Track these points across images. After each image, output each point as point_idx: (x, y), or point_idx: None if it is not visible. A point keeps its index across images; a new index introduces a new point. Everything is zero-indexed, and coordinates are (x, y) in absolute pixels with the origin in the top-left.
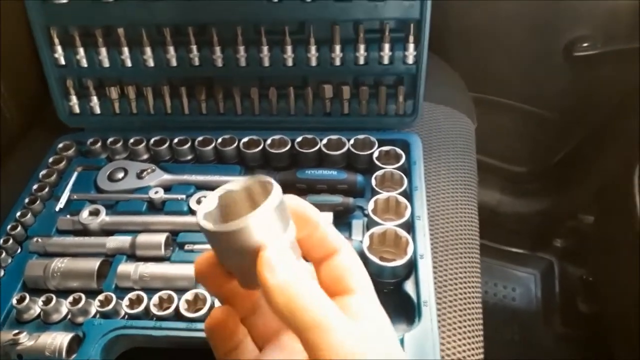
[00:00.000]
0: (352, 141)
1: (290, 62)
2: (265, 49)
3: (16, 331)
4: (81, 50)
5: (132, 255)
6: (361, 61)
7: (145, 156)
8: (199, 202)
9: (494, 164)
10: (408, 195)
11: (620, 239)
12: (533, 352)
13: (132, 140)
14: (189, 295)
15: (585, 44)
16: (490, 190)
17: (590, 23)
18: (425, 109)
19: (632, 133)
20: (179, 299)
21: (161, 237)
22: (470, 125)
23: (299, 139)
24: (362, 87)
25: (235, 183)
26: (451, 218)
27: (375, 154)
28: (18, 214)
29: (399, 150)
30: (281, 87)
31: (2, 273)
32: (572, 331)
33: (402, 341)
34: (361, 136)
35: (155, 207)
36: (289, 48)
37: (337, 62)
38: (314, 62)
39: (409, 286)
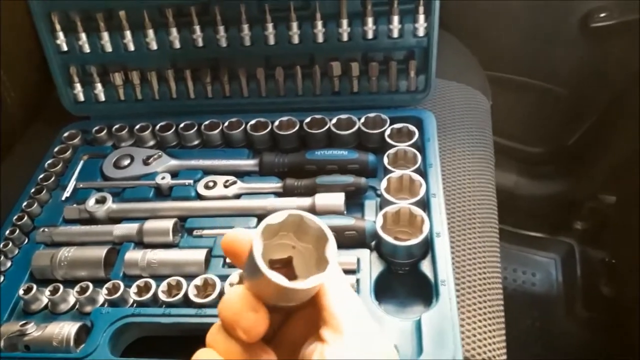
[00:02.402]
0: (362, 120)
1: (296, 40)
2: (270, 26)
3: (23, 322)
4: (83, 36)
5: (140, 243)
6: (370, 35)
7: (152, 142)
8: (206, 187)
9: (509, 145)
10: (422, 173)
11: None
12: (554, 337)
13: (137, 127)
14: (198, 281)
15: (602, 15)
16: (506, 173)
17: None
18: (438, 86)
19: None
20: (188, 285)
21: (169, 223)
22: (485, 102)
23: (308, 119)
24: (372, 63)
25: (276, 217)
26: (468, 196)
27: (387, 132)
28: (24, 204)
29: (411, 127)
30: (288, 66)
31: (10, 264)
32: (594, 315)
33: (419, 322)
34: (372, 114)
35: (162, 194)
36: (294, 25)
37: (345, 38)
38: (320, 39)
39: (425, 266)
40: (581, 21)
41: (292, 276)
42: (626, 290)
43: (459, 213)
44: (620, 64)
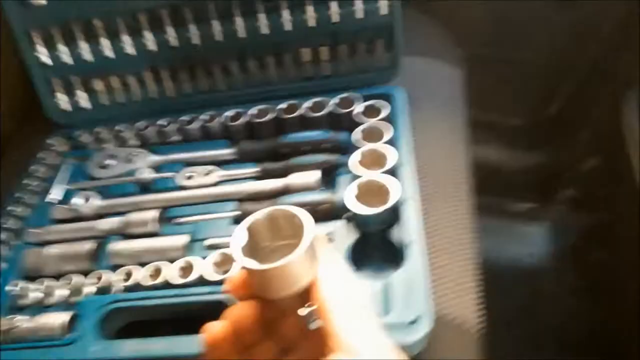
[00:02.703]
0: (334, 100)
1: (265, 30)
2: (238, 20)
3: (11, 316)
4: (63, 48)
5: (126, 235)
6: (335, 18)
7: (134, 142)
8: (187, 177)
9: (490, 120)
10: (393, 145)
11: (624, 179)
12: (549, 308)
13: (119, 130)
14: (179, 264)
15: None
16: (489, 147)
17: None
18: (408, 63)
19: (621, 69)
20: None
21: (150, 214)
22: (458, 75)
23: (284, 105)
24: (340, 45)
25: (260, 213)
26: (441, 165)
27: (355, 110)
28: (12, 207)
29: (381, 103)
30: (259, 57)
31: (2, 264)
32: (587, 283)
33: (389, 283)
34: (344, 95)
35: (146, 188)
36: (262, 16)
37: (312, 23)
38: (288, 27)
39: (397, 232)
40: None
41: None
42: (621, 252)
43: (431, 182)
44: (593, 29)
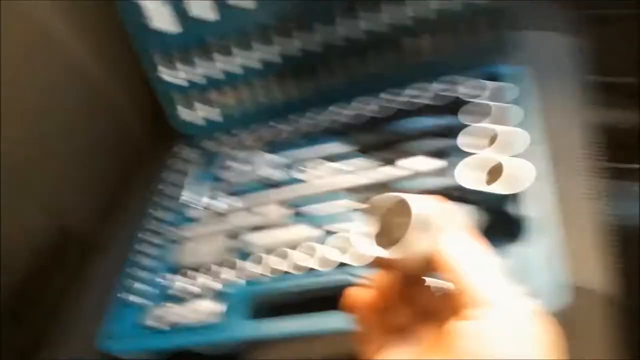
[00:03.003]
0: (456, 87)
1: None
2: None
3: (170, 304)
4: (181, 66)
5: (256, 228)
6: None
7: (254, 144)
8: (307, 171)
9: (608, 81)
10: (521, 126)
11: None
12: None
13: (240, 133)
14: (304, 249)
15: None
16: (608, 109)
17: None
18: (525, 38)
19: None
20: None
21: (277, 208)
22: (573, 44)
23: (405, 98)
24: (458, 25)
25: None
26: (569, 141)
27: (482, 95)
28: (154, 211)
29: (504, 85)
30: (361, 53)
31: (150, 261)
32: None
33: (526, 257)
34: (462, 79)
35: (270, 185)
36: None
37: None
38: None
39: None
40: None
41: None
42: None
43: (562, 158)
44: None
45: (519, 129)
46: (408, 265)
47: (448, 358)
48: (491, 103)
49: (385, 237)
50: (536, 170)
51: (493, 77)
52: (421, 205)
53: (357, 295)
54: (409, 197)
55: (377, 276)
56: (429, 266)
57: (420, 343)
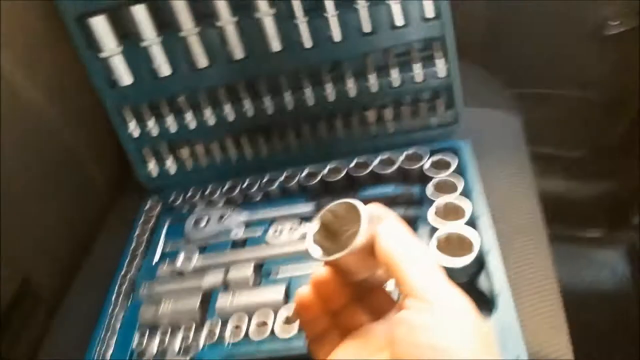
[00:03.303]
0: (402, 157)
1: (332, 98)
2: (307, 90)
3: None
4: (151, 122)
5: (227, 289)
6: (396, 84)
7: (222, 202)
8: (275, 234)
9: (551, 153)
10: (466, 197)
11: None
12: (632, 331)
13: (207, 191)
14: (282, 317)
15: (615, 23)
16: (555, 180)
17: None
18: (467, 114)
19: None
20: (274, 322)
21: (249, 270)
22: (515, 121)
23: (353, 164)
24: (402, 106)
25: (328, 208)
26: (514, 211)
27: (426, 165)
28: (123, 271)
29: (448, 158)
30: (328, 120)
31: (120, 323)
32: None
33: None
34: (410, 151)
35: (238, 245)
36: (328, 86)
37: (374, 89)
38: (353, 94)
39: (482, 281)
40: (594, 31)
41: None
42: None
43: (507, 228)
44: None
45: (463, 198)
46: (354, 262)
47: (390, 350)
48: (437, 175)
49: (335, 243)
50: (483, 239)
51: (438, 151)
52: (366, 207)
53: (307, 298)
54: (355, 201)
55: (327, 279)
56: (374, 262)
57: (372, 339)
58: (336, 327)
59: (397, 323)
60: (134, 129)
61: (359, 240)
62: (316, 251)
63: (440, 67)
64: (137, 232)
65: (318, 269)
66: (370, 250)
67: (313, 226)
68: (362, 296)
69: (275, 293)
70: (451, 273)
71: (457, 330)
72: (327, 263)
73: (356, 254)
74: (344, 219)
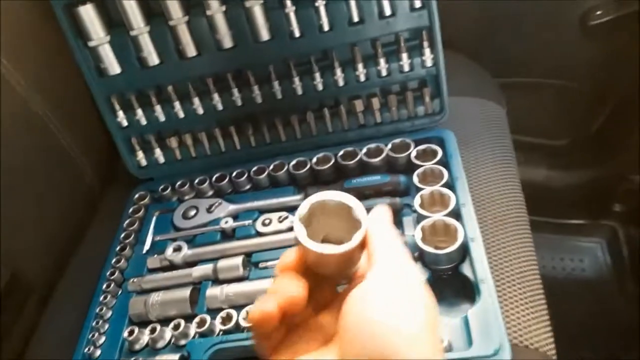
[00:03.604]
0: (389, 146)
1: (320, 87)
2: (296, 80)
3: (133, 359)
4: (139, 111)
5: (216, 280)
6: (384, 73)
7: (210, 192)
8: (264, 224)
9: (535, 142)
10: (450, 186)
11: None
12: (612, 318)
13: (196, 181)
14: None
15: (598, 12)
16: (537, 168)
17: None
18: (453, 104)
19: None
20: None
21: (238, 260)
22: (500, 110)
23: (341, 153)
24: (390, 95)
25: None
26: (497, 200)
27: (413, 154)
28: (113, 261)
29: (434, 147)
30: (317, 109)
31: (110, 313)
32: None
33: (466, 318)
34: (397, 140)
35: (227, 235)
36: (317, 75)
37: (362, 79)
38: (341, 83)
39: (465, 269)
40: (580, 21)
41: None
42: None
43: (490, 217)
44: (627, 55)
45: (447, 189)
46: (352, 258)
47: (339, 329)
48: (423, 164)
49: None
50: (466, 228)
51: (424, 140)
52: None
53: (269, 309)
54: (346, 199)
55: (303, 296)
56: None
57: (318, 333)
58: (282, 324)
59: (347, 300)
60: (122, 118)
61: (361, 232)
62: (323, 246)
63: (427, 56)
64: (126, 223)
65: (289, 283)
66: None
67: (301, 212)
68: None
69: (264, 282)
70: (436, 260)
71: (403, 308)
72: (322, 257)
73: (355, 249)
74: (329, 214)
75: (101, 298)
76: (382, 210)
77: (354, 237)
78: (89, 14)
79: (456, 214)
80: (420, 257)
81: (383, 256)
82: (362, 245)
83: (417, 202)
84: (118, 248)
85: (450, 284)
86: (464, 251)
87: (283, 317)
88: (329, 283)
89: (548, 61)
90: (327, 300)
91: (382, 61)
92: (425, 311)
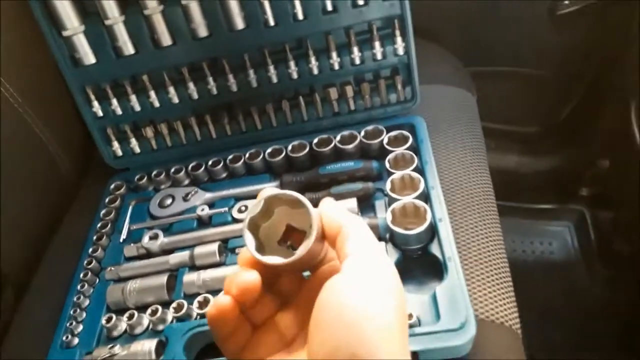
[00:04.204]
0: (362, 133)
1: (295, 75)
2: (271, 68)
3: (110, 345)
4: (114, 101)
5: (193, 266)
6: (357, 61)
7: (187, 181)
8: (240, 211)
9: (505, 129)
10: (420, 170)
11: (635, 177)
12: (580, 300)
13: (172, 170)
14: None
15: (565, 2)
16: (507, 155)
17: None
18: (424, 92)
19: (627, 78)
20: None
21: (214, 246)
22: (470, 97)
23: (316, 140)
24: (363, 83)
25: (254, 207)
26: (465, 183)
27: (385, 140)
28: (90, 250)
29: (405, 133)
30: (292, 98)
31: (88, 301)
32: (614, 273)
33: (434, 295)
34: (370, 127)
35: (204, 223)
36: (291, 63)
37: (336, 67)
38: (316, 71)
39: (434, 248)
40: (548, 10)
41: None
42: (638, 245)
43: (459, 200)
44: (593, 43)
45: (416, 173)
46: (315, 251)
47: (311, 322)
48: (395, 149)
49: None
50: (435, 210)
51: (396, 126)
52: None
53: (228, 309)
54: (298, 196)
55: (257, 285)
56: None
57: (285, 329)
58: (245, 321)
59: (322, 290)
60: (97, 108)
61: (316, 227)
62: (272, 258)
63: (399, 45)
64: (102, 212)
65: (246, 275)
66: (319, 238)
67: (248, 237)
68: (270, 284)
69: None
70: (405, 241)
71: (373, 294)
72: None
73: (315, 243)
74: (287, 205)
75: (78, 287)
76: (334, 202)
77: (303, 244)
78: (63, 3)
79: (425, 197)
80: (391, 238)
81: (355, 247)
82: (322, 237)
83: (388, 186)
84: (95, 237)
85: (420, 263)
86: (432, 232)
87: (241, 309)
88: (291, 275)
89: (518, 50)
90: (292, 292)
91: (355, 49)
92: (397, 300)
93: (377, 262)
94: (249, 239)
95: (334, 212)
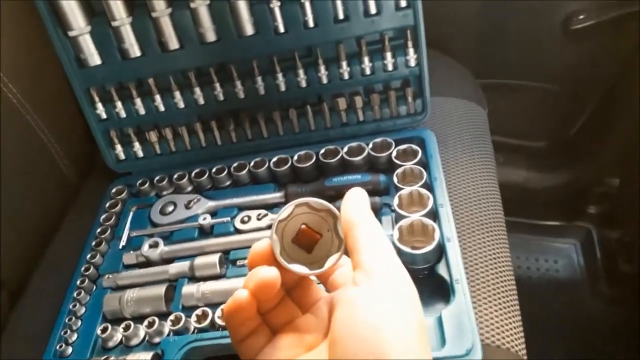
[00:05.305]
0: (370, 145)
1: (303, 84)
2: (279, 76)
3: (105, 357)
4: (119, 104)
5: (193, 277)
6: (367, 72)
7: (189, 188)
8: (242, 221)
9: (514, 143)
10: (429, 186)
11: None
12: (584, 319)
13: (175, 176)
14: None
15: (580, 17)
16: (516, 169)
17: None
18: (435, 104)
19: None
20: None
21: (215, 258)
22: (481, 111)
23: (322, 150)
24: (373, 94)
25: (284, 211)
26: (474, 201)
27: (394, 154)
28: (88, 256)
29: (414, 147)
30: (299, 106)
31: (84, 309)
32: (619, 293)
33: (440, 318)
34: (378, 139)
35: (205, 232)
36: (300, 72)
37: (346, 76)
38: (325, 80)
39: (441, 269)
40: (562, 25)
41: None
42: None
43: (467, 218)
44: (606, 59)
45: (425, 190)
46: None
47: (329, 335)
48: (403, 164)
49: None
50: (443, 229)
51: (405, 139)
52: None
53: (245, 302)
54: (332, 207)
55: (275, 281)
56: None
57: (305, 333)
58: (264, 324)
59: (339, 303)
60: (101, 110)
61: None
62: (298, 267)
63: (411, 56)
64: (102, 217)
65: (264, 270)
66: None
67: (275, 242)
68: (290, 290)
69: (241, 281)
70: (412, 260)
71: (394, 311)
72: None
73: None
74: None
75: (75, 294)
76: (359, 196)
77: (331, 258)
78: (69, 3)
79: (434, 215)
80: (398, 256)
81: (371, 257)
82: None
83: (395, 202)
84: (94, 243)
85: (426, 284)
86: (440, 251)
87: (259, 304)
88: (307, 281)
89: (530, 64)
90: (312, 300)
91: (366, 59)
92: (415, 313)
93: (396, 276)
94: (276, 244)
95: (353, 209)
